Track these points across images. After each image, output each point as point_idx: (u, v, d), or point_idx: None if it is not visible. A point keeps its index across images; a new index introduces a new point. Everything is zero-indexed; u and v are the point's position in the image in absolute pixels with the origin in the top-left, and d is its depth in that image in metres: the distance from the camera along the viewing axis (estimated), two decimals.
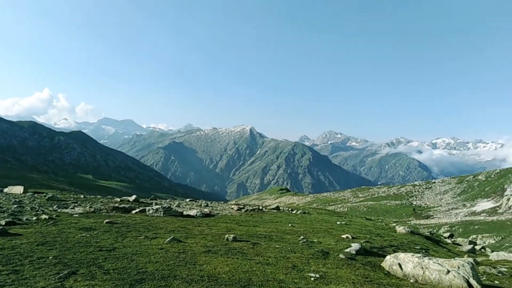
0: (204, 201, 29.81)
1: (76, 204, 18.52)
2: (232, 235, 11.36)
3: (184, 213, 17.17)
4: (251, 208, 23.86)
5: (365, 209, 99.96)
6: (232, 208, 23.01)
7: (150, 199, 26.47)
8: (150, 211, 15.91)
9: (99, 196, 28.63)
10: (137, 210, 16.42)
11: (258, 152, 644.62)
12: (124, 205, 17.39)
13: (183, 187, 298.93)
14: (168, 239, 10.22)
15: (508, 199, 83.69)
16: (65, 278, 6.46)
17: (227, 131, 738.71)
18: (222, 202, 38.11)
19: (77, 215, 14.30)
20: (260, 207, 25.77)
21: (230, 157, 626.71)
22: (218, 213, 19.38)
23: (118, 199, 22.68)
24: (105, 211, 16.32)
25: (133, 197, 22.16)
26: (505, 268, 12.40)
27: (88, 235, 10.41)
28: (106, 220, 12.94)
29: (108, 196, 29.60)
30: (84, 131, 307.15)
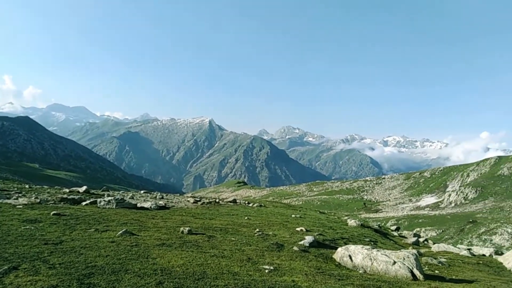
0: (159, 193, 29.17)
1: (20, 195, 17.32)
2: (187, 228, 11.22)
3: (138, 205, 16.69)
4: (207, 201, 23.71)
5: (319, 203, 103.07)
6: (188, 201, 22.73)
7: (102, 191, 25.40)
8: (102, 203, 15.28)
9: (46, 187, 26.98)
10: (88, 201, 15.70)
11: (216, 144, 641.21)
12: (73, 196, 16.56)
13: (137, 178, 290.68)
14: (120, 232, 9.87)
15: (450, 195, 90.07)
16: (5, 274, 6.01)
17: (186, 122, 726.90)
18: (178, 194, 37.51)
19: (20, 206, 13.36)
20: (217, 200, 25.69)
21: (188, 148, 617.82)
22: (173, 206, 19.05)
23: (67, 190, 21.53)
24: (52, 202, 15.41)
25: (84, 188, 21.15)
26: (445, 258, 13.36)
27: (32, 228, 9.76)
28: (53, 212, 12.22)
29: (56, 187, 27.99)
30: (31, 116, 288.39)
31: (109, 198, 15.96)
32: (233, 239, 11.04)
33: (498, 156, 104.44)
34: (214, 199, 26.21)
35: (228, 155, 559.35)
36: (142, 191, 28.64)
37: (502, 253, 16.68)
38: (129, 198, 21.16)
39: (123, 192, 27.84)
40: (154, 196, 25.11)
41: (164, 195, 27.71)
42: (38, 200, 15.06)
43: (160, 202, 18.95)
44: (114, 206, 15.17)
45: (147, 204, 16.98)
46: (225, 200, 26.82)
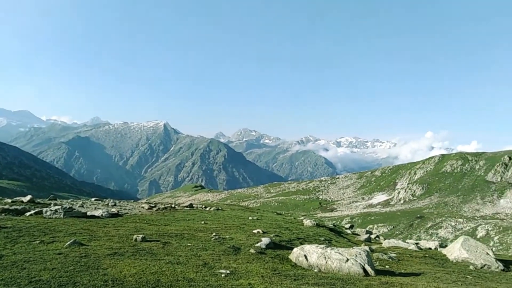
0: (112, 200, 28.02)
1: None
2: (141, 235, 10.90)
3: (88, 213, 15.93)
4: (163, 206, 23.16)
5: (276, 204, 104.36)
6: (143, 207, 22.07)
7: (49, 199, 23.91)
8: (48, 213, 14.39)
9: None
10: (32, 212, 14.72)
11: (172, 148, 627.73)
12: (16, 207, 15.46)
13: (89, 185, 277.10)
14: (68, 243, 9.35)
15: (399, 192, 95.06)
16: None
17: (140, 126, 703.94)
18: (132, 201, 36.26)
19: None
20: (173, 205, 25.17)
21: (142, 153, 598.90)
22: (127, 213, 18.41)
23: (9, 200, 20.04)
24: None
25: (28, 197, 19.79)
26: (394, 253, 14.08)
27: None
28: None
29: None
30: None
31: (56, 207, 15.07)
32: (189, 244, 10.89)
33: (442, 155, 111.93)
34: (170, 205, 25.64)
35: (184, 159, 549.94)
36: (93, 199, 27.36)
37: (446, 246, 17.87)
38: (79, 206, 20.12)
39: (72, 201, 26.42)
40: (106, 203, 24.08)
41: (117, 202, 26.67)
42: None
43: (112, 210, 18.25)
44: (61, 216, 14.35)
45: (98, 212, 16.27)
46: (181, 205, 26.37)
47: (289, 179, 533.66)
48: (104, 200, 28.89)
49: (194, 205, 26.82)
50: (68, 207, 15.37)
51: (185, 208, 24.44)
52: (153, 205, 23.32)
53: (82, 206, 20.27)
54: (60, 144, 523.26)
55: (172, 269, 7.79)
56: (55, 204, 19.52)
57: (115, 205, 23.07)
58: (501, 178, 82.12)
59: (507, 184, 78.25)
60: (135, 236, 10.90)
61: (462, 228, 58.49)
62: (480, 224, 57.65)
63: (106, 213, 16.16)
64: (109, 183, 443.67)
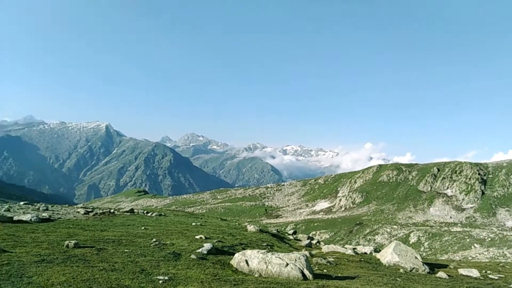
0: (43, 205, 26.03)
1: None
2: (73, 241, 10.21)
3: (15, 218, 14.63)
4: (101, 211, 21.98)
5: (222, 210, 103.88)
6: (78, 212, 20.78)
7: None
8: None
9: None
10: None
11: (114, 151, 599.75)
12: None
13: (19, 188, 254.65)
14: None
15: (340, 200, 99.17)
16: None
17: (79, 126, 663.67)
18: (67, 205, 33.98)
19: None
20: (112, 210, 23.99)
21: (81, 155, 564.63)
22: (60, 218, 17.20)
23: None
24: None
25: None
26: (333, 258, 14.60)
27: None
28: None
29: None
30: None
31: None
32: (126, 250, 10.41)
33: (379, 165, 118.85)
34: (109, 209, 24.42)
35: (127, 163, 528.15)
36: (22, 203, 25.22)
37: (380, 251, 18.91)
38: (4, 210, 18.43)
39: None
40: (37, 207, 22.31)
41: (50, 206, 24.83)
42: None
43: (43, 214, 16.95)
44: None
45: (26, 217, 15.00)
46: (121, 210, 25.23)
47: (236, 185, 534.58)
48: (35, 204, 26.75)
49: (135, 211, 25.79)
50: None
51: (125, 213, 23.43)
52: (90, 209, 22.08)
53: (8, 210, 18.59)
54: None
55: (106, 276, 7.37)
56: None
57: (47, 209, 21.47)
58: (431, 188, 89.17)
59: (436, 193, 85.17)
60: (67, 242, 10.18)
61: (396, 234, 62.39)
62: (413, 231, 61.96)
63: (35, 217, 14.96)
64: (42, 187, 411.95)
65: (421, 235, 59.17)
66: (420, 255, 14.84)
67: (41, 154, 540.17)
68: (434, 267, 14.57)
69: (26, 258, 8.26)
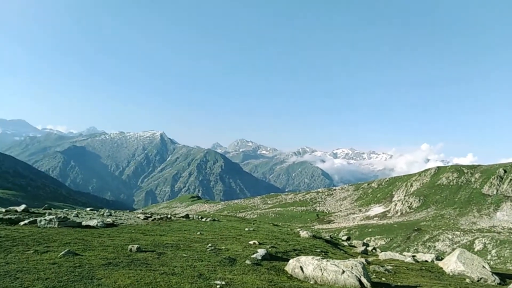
0: (107, 210, 27.83)
1: None
2: (136, 246, 10.81)
3: (83, 223, 15.80)
4: (159, 216, 23.02)
5: (273, 215, 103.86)
6: (139, 217, 21.93)
7: (44, 209, 23.72)
8: (42, 222, 14.28)
9: None
10: (26, 221, 14.59)
11: (169, 158, 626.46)
12: (10, 216, 15.33)
13: (84, 195, 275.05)
14: (63, 253, 9.27)
15: (396, 204, 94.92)
16: None
17: (136, 135, 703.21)
18: (128, 211, 36.04)
19: None
20: (169, 216, 25.03)
21: (138, 163, 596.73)
22: (122, 223, 18.28)
23: (3, 210, 19.88)
24: None
25: (22, 206, 19.66)
26: (391, 266, 14.00)
27: None
28: None
29: None
30: None
31: (51, 216, 14.96)
32: (184, 255, 10.80)
33: (438, 167, 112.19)
34: (166, 215, 25.50)
35: (181, 169, 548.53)
36: (88, 209, 27.21)
37: (442, 259, 17.81)
38: (74, 216, 19.98)
39: (67, 210, 26.23)
40: (102, 213, 23.92)
41: (113, 212, 26.50)
42: None
43: (107, 220, 18.11)
44: (56, 225, 14.23)
45: (93, 222, 16.13)
46: (177, 216, 26.22)
47: (286, 190, 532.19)
48: (100, 210, 28.70)
49: (190, 216, 26.68)
50: (62, 216, 15.27)
51: (181, 218, 24.31)
52: (149, 215, 23.21)
53: (77, 216, 20.12)
54: (56, 153, 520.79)
55: (167, 280, 7.72)
56: (50, 214, 19.38)
57: (110, 215, 22.92)
58: (497, 191, 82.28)
59: (503, 197, 78.38)
60: (130, 247, 10.80)
61: (459, 241, 58.31)
62: (477, 237, 57.50)
63: (101, 223, 16.04)
64: (105, 193, 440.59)
65: (487, 242, 54.69)
66: (488, 264, 13.74)
67: (103, 163, 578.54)
68: (505, 277, 13.38)
69: (95, 261, 8.88)
